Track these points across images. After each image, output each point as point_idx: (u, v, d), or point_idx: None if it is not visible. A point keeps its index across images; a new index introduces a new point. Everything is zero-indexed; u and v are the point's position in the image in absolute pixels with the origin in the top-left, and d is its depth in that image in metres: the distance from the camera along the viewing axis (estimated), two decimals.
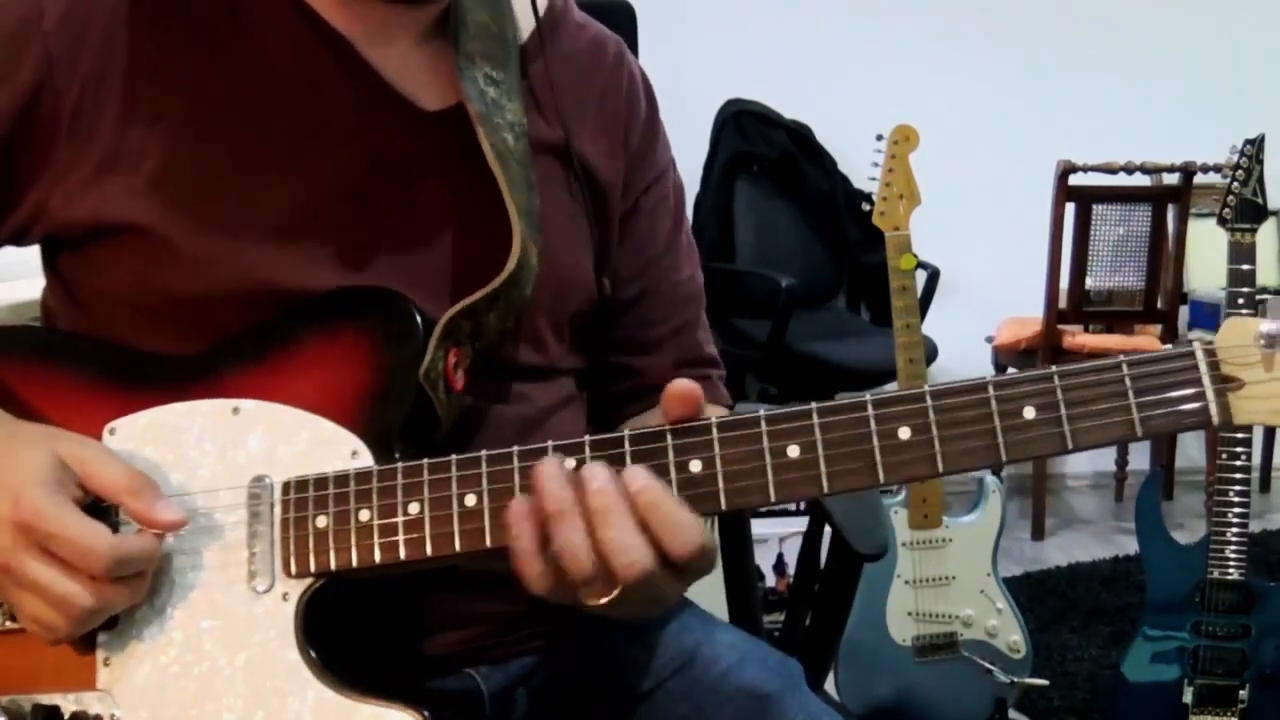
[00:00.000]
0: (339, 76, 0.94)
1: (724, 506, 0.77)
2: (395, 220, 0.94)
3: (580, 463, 0.77)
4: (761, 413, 0.77)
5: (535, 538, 0.76)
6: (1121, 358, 0.73)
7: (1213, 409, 0.72)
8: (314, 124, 0.93)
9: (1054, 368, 0.74)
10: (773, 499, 0.76)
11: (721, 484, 0.77)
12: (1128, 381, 0.73)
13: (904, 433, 0.75)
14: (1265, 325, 0.71)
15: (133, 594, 0.81)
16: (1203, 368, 0.73)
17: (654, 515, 0.75)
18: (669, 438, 0.78)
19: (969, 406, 0.74)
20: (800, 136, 3.90)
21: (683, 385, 0.77)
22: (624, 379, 1.09)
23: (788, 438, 0.76)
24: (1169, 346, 0.74)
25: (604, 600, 0.77)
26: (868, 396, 0.76)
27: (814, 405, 0.76)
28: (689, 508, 0.76)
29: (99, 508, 0.82)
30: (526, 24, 1.03)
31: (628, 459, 0.78)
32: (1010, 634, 2.31)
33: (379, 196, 0.94)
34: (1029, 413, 0.74)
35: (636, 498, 0.75)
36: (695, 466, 0.77)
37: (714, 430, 0.77)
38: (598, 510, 0.75)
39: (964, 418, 0.74)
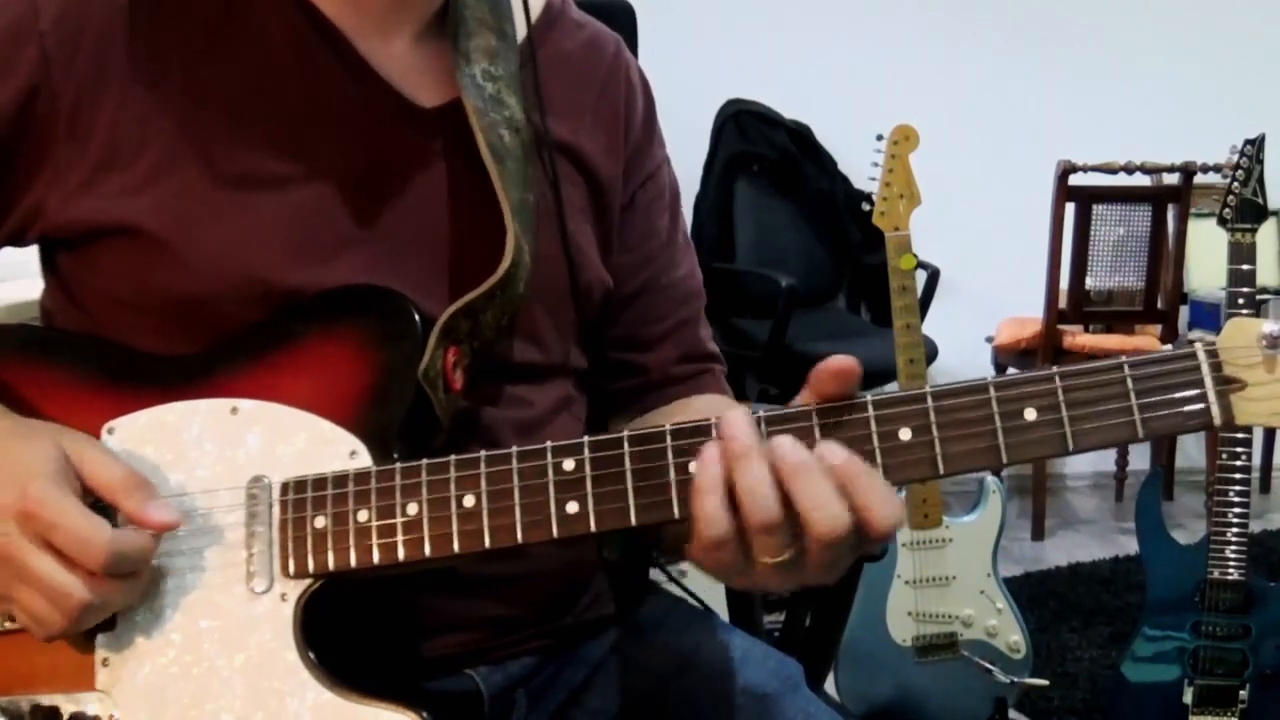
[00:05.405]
0: (337, 73, 0.94)
1: None
2: (393, 217, 0.94)
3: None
4: (761, 414, 0.76)
5: (721, 474, 0.74)
6: (1123, 358, 0.73)
7: (1215, 410, 0.72)
8: (311, 121, 0.93)
9: (1055, 368, 0.74)
10: None
11: None
12: (1129, 383, 0.73)
13: (905, 434, 0.74)
14: (1268, 326, 0.71)
15: (129, 593, 0.81)
16: (1205, 369, 0.72)
17: (857, 485, 0.73)
18: (668, 439, 0.77)
19: (970, 407, 0.74)
20: (800, 136, 3.90)
21: (839, 361, 0.75)
22: (626, 376, 1.09)
23: None
24: (1169, 347, 0.74)
25: (778, 559, 0.74)
26: (868, 397, 0.75)
27: (813, 406, 0.76)
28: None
29: (100, 506, 0.81)
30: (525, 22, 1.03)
31: (626, 460, 0.77)
32: (1010, 634, 2.31)
33: (376, 193, 0.94)
34: (1030, 414, 0.73)
35: (840, 470, 0.73)
36: (694, 467, 0.76)
37: (714, 431, 0.77)
38: (795, 466, 0.73)
39: (965, 419, 0.74)
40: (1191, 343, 0.73)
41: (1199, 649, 2.12)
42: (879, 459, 0.75)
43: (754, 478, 0.73)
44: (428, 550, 0.80)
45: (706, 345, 1.13)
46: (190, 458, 0.86)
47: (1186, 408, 0.72)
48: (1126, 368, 0.73)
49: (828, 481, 0.73)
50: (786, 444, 0.73)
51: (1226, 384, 0.72)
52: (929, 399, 0.74)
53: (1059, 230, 3.43)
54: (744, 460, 0.73)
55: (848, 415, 0.76)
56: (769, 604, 2.60)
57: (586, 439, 0.79)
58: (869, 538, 0.74)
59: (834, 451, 0.73)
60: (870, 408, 0.75)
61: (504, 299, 0.92)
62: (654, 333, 1.10)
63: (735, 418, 0.75)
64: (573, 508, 0.78)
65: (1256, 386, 0.71)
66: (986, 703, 2.30)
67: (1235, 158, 2.12)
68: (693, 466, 0.75)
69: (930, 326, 3.08)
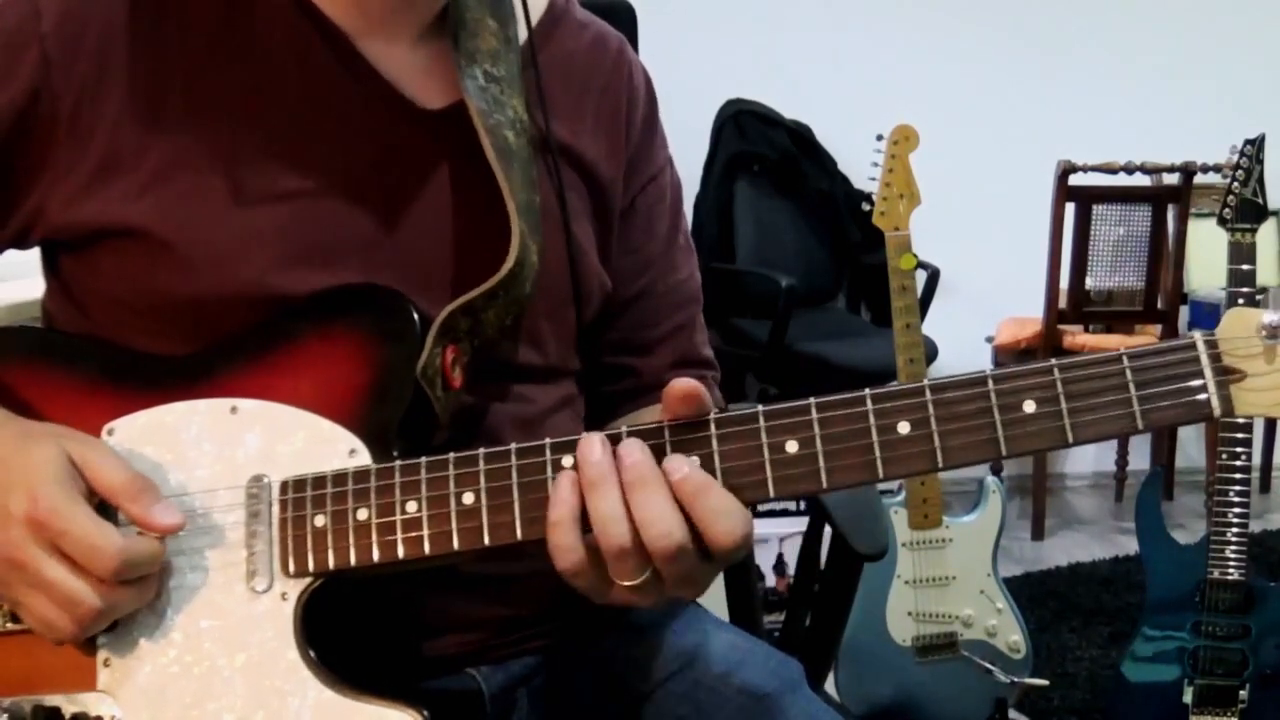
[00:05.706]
0: (338, 75, 0.94)
1: None
2: (395, 218, 0.94)
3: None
4: (760, 408, 0.76)
5: (574, 508, 0.75)
6: (1122, 350, 0.73)
7: (1214, 400, 0.72)
8: (313, 123, 0.93)
9: (1054, 361, 0.74)
10: (772, 494, 0.76)
11: (720, 480, 0.76)
12: (1128, 374, 0.73)
13: (904, 427, 0.74)
14: (1267, 316, 0.71)
15: (139, 598, 0.82)
16: (1204, 359, 0.72)
17: (697, 502, 0.74)
18: (666, 433, 0.77)
19: (969, 400, 0.74)
20: (800, 136, 3.90)
21: (684, 385, 0.77)
22: (621, 379, 1.09)
23: (786, 433, 0.76)
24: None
25: (634, 581, 0.76)
26: (867, 391, 0.75)
27: (813, 400, 0.76)
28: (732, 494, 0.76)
29: (103, 508, 0.81)
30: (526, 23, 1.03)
31: None
32: (1010, 634, 2.31)
33: (378, 195, 0.94)
34: (1029, 406, 0.73)
35: (680, 486, 0.74)
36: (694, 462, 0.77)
37: (712, 426, 0.77)
38: (633, 482, 0.74)
39: (964, 411, 0.74)
40: (1191, 334, 0.73)
41: (1199, 649, 2.12)
42: (878, 453, 0.75)
43: (606, 508, 0.74)
44: (427, 548, 0.80)
45: (702, 351, 1.13)
46: (190, 458, 0.86)
47: (1186, 399, 0.72)
48: (1125, 359, 0.73)
49: (664, 495, 0.74)
50: (631, 456, 0.75)
51: (1226, 374, 0.72)
52: (927, 392, 0.74)
53: (1059, 230, 3.43)
54: (598, 487, 0.75)
55: (648, 440, 0.76)
56: (769, 604, 2.61)
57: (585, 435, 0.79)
58: (712, 552, 0.75)
59: (676, 465, 0.75)
60: (869, 401, 0.75)
61: (508, 299, 0.92)
62: (651, 337, 1.10)
63: (589, 441, 0.76)
64: None
65: (1256, 377, 0.71)
66: (986, 703, 2.30)
67: (1235, 158, 2.12)
68: (680, 470, 0.75)
69: (930, 326, 3.08)
